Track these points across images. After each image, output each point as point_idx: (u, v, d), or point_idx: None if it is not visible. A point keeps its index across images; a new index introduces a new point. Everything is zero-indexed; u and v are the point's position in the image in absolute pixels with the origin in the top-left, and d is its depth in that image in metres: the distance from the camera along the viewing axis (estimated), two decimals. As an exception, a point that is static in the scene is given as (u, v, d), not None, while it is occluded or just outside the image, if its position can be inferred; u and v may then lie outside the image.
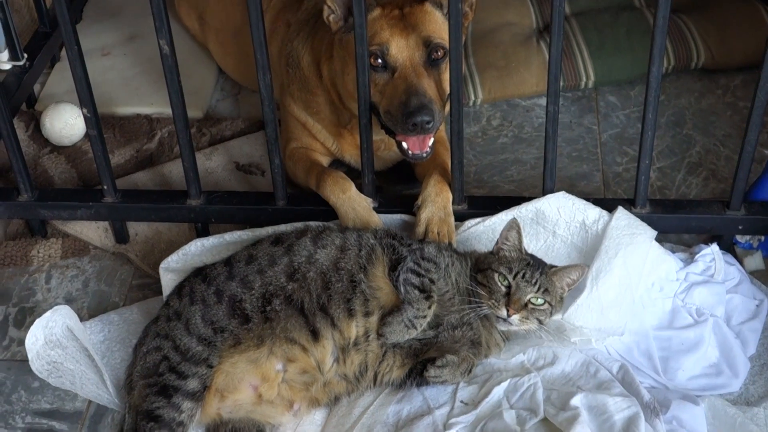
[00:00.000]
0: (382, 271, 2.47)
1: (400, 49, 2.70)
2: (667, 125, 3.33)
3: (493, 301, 2.43)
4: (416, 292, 2.40)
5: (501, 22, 3.65)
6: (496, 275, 2.45)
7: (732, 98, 3.42)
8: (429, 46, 2.70)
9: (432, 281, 2.43)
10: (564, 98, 3.45)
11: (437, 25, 2.74)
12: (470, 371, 2.46)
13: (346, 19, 2.75)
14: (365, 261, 2.47)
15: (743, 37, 3.47)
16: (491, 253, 2.54)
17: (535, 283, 2.43)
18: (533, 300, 2.43)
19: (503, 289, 2.43)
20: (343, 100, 2.87)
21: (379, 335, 2.41)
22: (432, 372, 2.41)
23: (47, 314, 2.50)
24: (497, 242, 2.53)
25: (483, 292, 2.45)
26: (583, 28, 3.57)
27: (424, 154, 2.75)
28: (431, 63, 2.72)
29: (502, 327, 2.47)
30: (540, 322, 2.45)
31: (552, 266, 2.50)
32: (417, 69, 2.70)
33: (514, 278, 2.43)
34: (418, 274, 2.42)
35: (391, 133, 2.76)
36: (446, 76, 2.70)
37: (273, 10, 3.19)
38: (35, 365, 2.53)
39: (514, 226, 2.50)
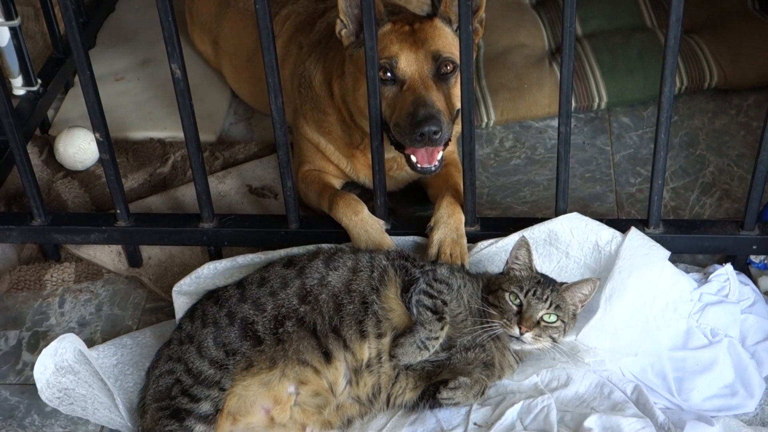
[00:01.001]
0: (394, 292, 2.47)
1: (409, 62, 2.71)
2: (681, 145, 3.32)
3: (505, 320, 2.43)
4: (429, 313, 2.39)
5: (513, 44, 3.66)
6: (506, 294, 2.44)
7: (745, 118, 3.41)
8: (438, 59, 2.71)
9: (445, 303, 2.42)
10: (577, 119, 3.44)
11: (447, 39, 2.76)
12: (483, 393, 2.44)
13: (358, 34, 2.77)
14: (377, 282, 2.47)
15: (756, 56, 3.47)
16: (502, 273, 2.54)
17: (546, 299, 2.43)
18: (545, 317, 2.42)
19: (514, 307, 2.43)
20: (354, 118, 2.88)
21: (392, 356, 2.41)
22: (444, 394, 2.40)
23: (54, 343, 2.54)
24: (507, 262, 2.53)
25: (495, 313, 2.44)
26: (595, 49, 3.57)
27: (433, 168, 2.76)
28: (440, 77, 2.73)
29: (516, 346, 2.46)
30: (554, 340, 2.45)
31: (563, 283, 2.50)
32: (425, 82, 2.71)
33: (525, 296, 2.43)
34: (431, 296, 2.42)
35: (400, 147, 2.77)
36: (455, 91, 2.71)
37: (286, 34, 3.20)
38: (45, 394, 2.54)
39: (523, 244, 2.50)
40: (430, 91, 2.69)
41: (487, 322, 2.44)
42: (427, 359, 2.43)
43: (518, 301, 2.43)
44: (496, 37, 3.68)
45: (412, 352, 2.39)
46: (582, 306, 2.50)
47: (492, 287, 2.50)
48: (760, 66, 3.44)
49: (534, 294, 2.43)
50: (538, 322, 2.42)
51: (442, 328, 2.40)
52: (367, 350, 2.42)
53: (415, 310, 2.41)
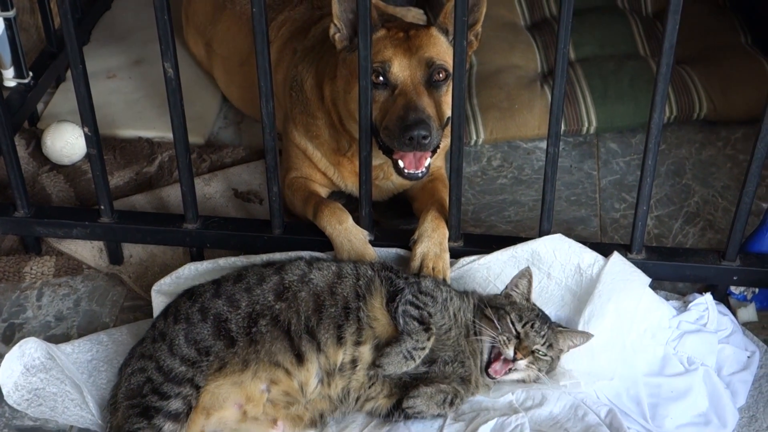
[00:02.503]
0: (380, 302, 2.46)
1: (402, 67, 2.72)
2: (667, 174, 3.34)
3: (504, 338, 2.44)
4: (415, 323, 2.40)
5: (506, 65, 3.67)
6: (507, 318, 2.46)
7: (732, 151, 3.43)
8: (431, 66, 2.72)
9: (430, 314, 2.43)
10: (565, 143, 3.46)
11: (441, 48, 2.76)
12: (451, 403, 2.44)
13: (351, 38, 2.78)
14: (364, 290, 2.47)
15: (746, 90, 3.49)
16: (505, 294, 2.56)
17: (543, 335, 2.46)
18: (539, 352, 2.45)
19: (514, 331, 2.45)
20: (344, 122, 2.88)
21: (376, 366, 2.40)
22: (405, 403, 2.42)
23: (16, 348, 2.56)
24: (507, 287, 2.56)
25: (489, 327, 2.46)
26: (587, 74, 3.59)
27: (420, 174, 2.77)
28: (432, 84, 2.74)
29: (493, 375, 2.47)
30: (539, 371, 2.46)
31: (558, 325, 2.54)
32: (417, 87, 2.72)
33: (523, 327, 2.45)
34: (417, 307, 2.42)
35: (389, 152, 2.77)
36: (447, 99, 2.72)
37: (281, 39, 3.21)
38: (13, 398, 2.54)
39: (526, 275, 2.55)
40: (421, 97, 2.70)
41: (481, 332, 2.46)
42: (406, 372, 2.42)
43: (516, 329, 2.45)
44: (490, 57, 3.70)
45: (398, 362, 2.38)
46: (567, 351, 2.53)
47: (492, 303, 2.52)
48: (750, 100, 3.46)
49: (533, 326, 2.45)
50: (533, 353, 2.44)
51: (428, 339, 2.40)
52: (341, 355, 2.42)
53: (401, 320, 2.41)
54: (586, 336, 2.52)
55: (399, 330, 2.41)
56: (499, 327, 2.45)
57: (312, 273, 2.49)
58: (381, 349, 2.41)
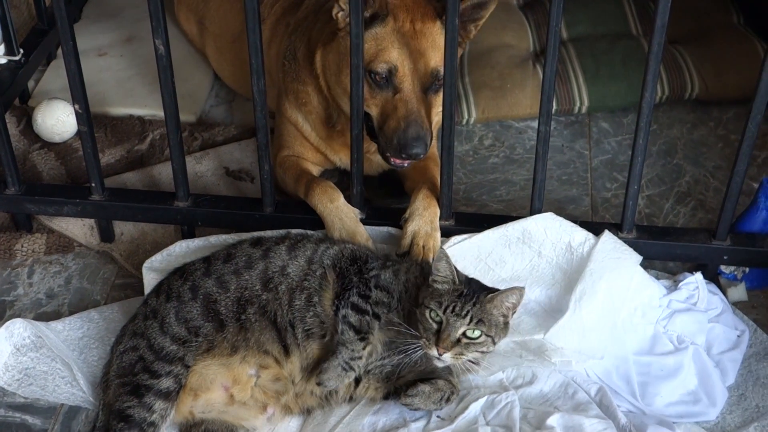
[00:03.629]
0: (329, 298, 2.44)
1: (408, 73, 2.71)
2: (658, 154, 3.34)
3: (425, 339, 2.34)
4: (351, 333, 2.35)
5: (498, 44, 3.66)
6: (427, 311, 2.34)
7: (724, 131, 3.43)
8: (434, 76, 2.72)
9: (377, 316, 2.38)
10: (557, 122, 3.46)
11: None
12: (448, 400, 2.43)
13: None
14: (319, 283, 2.45)
15: (738, 70, 3.49)
16: (426, 286, 2.42)
17: (466, 315, 2.32)
18: (468, 333, 2.33)
19: (434, 325, 2.33)
20: (333, 93, 2.87)
21: (317, 384, 2.37)
22: (403, 401, 2.41)
23: (2, 329, 2.57)
24: (431, 276, 2.41)
25: (419, 331, 2.36)
26: (579, 53, 3.58)
27: (405, 164, 2.79)
28: (430, 88, 2.74)
29: (438, 365, 2.37)
30: (482, 353, 2.38)
31: (491, 291, 2.39)
32: (418, 96, 2.72)
33: (444, 312, 2.32)
34: (360, 311, 2.37)
35: (376, 139, 2.77)
36: (440, 101, 2.70)
37: (274, 16, 3.19)
38: (4, 379, 2.55)
39: (442, 256, 2.39)
40: (421, 108, 2.70)
41: (411, 343, 2.35)
42: (382, 362, 2.41)
43: (438, 317, 2.33)
44: (482, 36, 3.67)
45: (337, 375, 2.34)
46: (512, 314, 2.41)
47: (418, 300, 2.40)
48: (742, 80, 3.45)
49: (453, 310, 2.32)
50: (459, 340, 2.33)
51: (364, 348, 2.36)
52: (314, 351, 2.41)
53: (339, 327, 2.35)
54: (519, 291, 2.35)
55: (336, 338, 2.36)
56: (423, 326, 2.35)
57: (289, 265, 2.46)
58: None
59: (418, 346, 2.35)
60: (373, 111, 2.74)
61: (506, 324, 2.41)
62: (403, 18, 2.74)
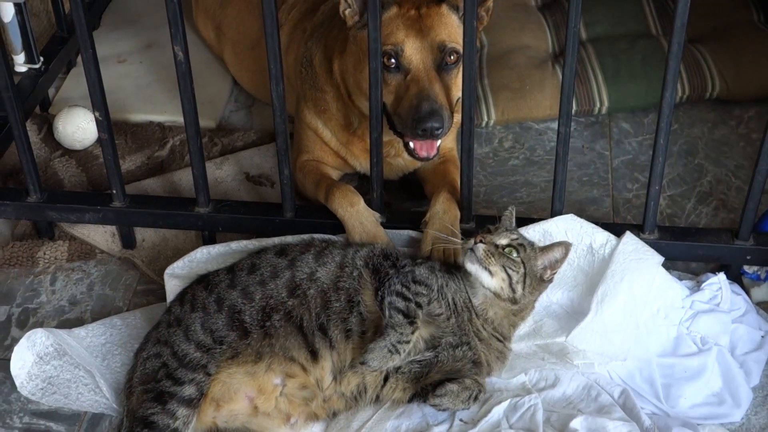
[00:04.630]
0: (370, 294, 2.45)
1: (415, 51, 2.70)
2: (680, 154, 3.32)
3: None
4: (400, 316, 2.35)
5: (517, 45, 3.66)
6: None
7: (745, 129, 3.42)
8: (443, 50, 2.71)
9: (419, 305, 2.39)
10: (577, 123, 3.44)
11: (452, 28, 2.74)
12: (476, 398, 2.42)
13: (362, 14, 2.75)
14: (358, 284, 2.46)
15: (759, 68, 3.47)
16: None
17: (513, 234, 2.48)
18: (507, 251, 2.44)
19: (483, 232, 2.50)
20: (353, 98, 2.88)
21: (360, 362, 2.36)
22: (432, 401, 2.40)
23: (24, 339, 2.57)
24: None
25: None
26: (598, 54, 3.57)
27: (432, 156, 2.77)
28: (444, 67, 2.73)
29: (469, 264, 2.45)
30: (509, 276, 2.43)
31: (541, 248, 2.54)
32: (429, 73, 2.70)
33: (495, 230, 2.50)
34: (405, 298, 2.38)
35: (399, 132, 2.77)
36: (458, 81, 2.71)
37: (291, 22, 3.20)
38: (27, 388, 2.55)
39: (509, 215, 2.60)
40: (433, 84, 2.69)
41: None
42: (414, 360, 2.41)
43: (488, 230, 2.50)
44: (500, 38, 3.69)
45: (382, 356, 2.33)
46: (552, 272, 2.50)
47: None
48: (763, 78, 3.44)
49: (504, 230, 2.49)
50: (497, 247, 2.44)
51: (413, 332, 2.36)
52: (351, 350, 2.41)
53: (387, 313, 2.36)
54: (565, 247, 2.50)
55: (384, 322, 2.37)
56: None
57: (318, 271, 2.48)
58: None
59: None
60: (388, 99, 2.73)
61: (542, 280, 2.49)
62: (408, 6, 2.76)
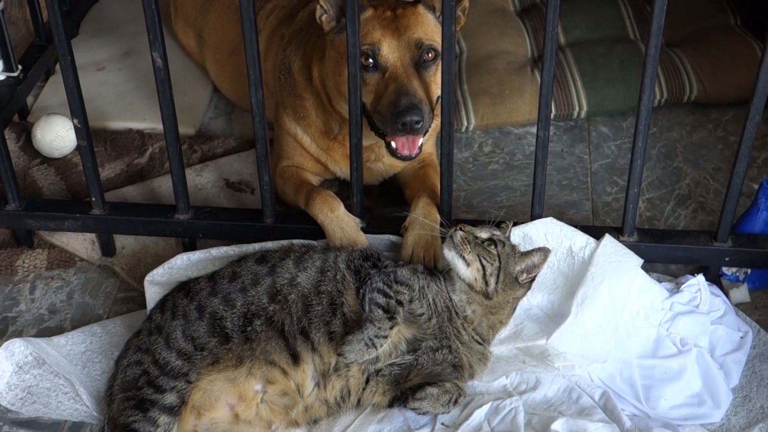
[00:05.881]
0: (353, 294, 2.46)
1: (392, 49, 2.71)
2: (658, 157, 3.34)
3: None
4: (380, 311, 2.37)
5: (496, 50, 3.67)
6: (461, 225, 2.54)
7: (723, 132, 3.44)
8: (420, 47, 2.72)
9: (400, 303, 2.40)
10: (556, 127, 3.46)
11: (429, 27, 2.76)
12: (456, 402, 2.42)
13: (339, 19, 2.77)
14: (341, 285, 2.47)
15: (736, 72, 3.49)
16: None
17: (494, 233, 2.51)
18: (486, 244, 2.48)
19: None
20: (333, 103, 2.88)
21: (338, 354, 2.37)
22: (411, 404, 2.40)
23: (1, 350, 2.56)
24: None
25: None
26: (577, 58, 3.59)
27: (413, 155, 2.77)
28: (422, 65, 2.74)
29: (447, 252, 2.49)
30: (482, 267, 2.46)
31: (523, 252, 2.55)
32: (407, 69, 2.71)
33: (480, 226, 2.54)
34: (386, 295, 2.40)
35: (381, 134, 2.77)
36: (436, 79, 2.72)
37: (269, 27, 3.20)
38: (7, 399, 2.55)
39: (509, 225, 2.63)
40: (411, 80, 2.70)
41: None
42: (394, 362, 2.42)
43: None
44: (480, 43, 3.70)
45: (359, 349, 2.34)
46: (529, 276, 2.52)
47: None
48: (740, 81, 3.46)
49: (488, 226, 2.54)
50: (476, 238, 2.48)
51: (391, 328, 2.37)
52: (335, 353, 2.41)
53: (367, 308, 2.38)
54: (544, 252, 2.52)
55: (363, 317, 2.39)
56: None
57: (299, 276, 2.49)
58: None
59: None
60: (368, 98, 2.74)
61: (517, 281, 2.50)
62: (383, 8, 2.78)
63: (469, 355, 2.48)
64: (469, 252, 2.46)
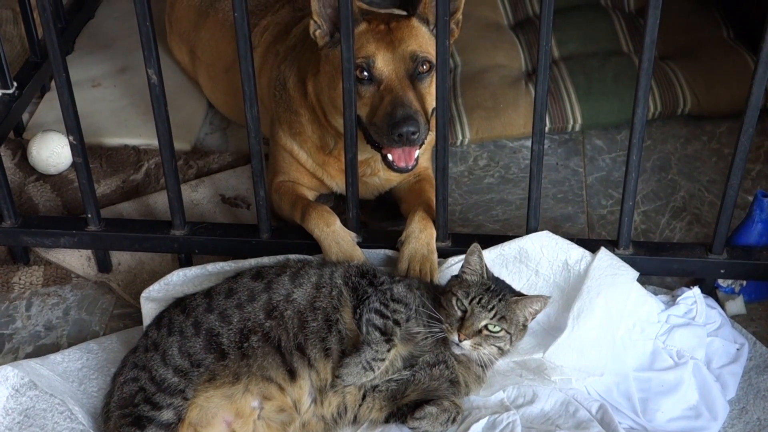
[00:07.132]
0: (349, 312, 2.46)
1: (386, 61, 2.72)
2: (653, 170, 3.35)
3: (447, 324, 2.42)
4: (377, 333, 2.37)
5: (490, 64, 3.68)
6: (453, 299, 2.44)
7: (717, 145, 3.45)
8: (415, 60, 2.73)
9: (397, 323, 2.40)
10: (551, 140, 3.47)
11: (423, 39, 2.77)
12: (454, 420, 2.42)
13: (332, 34, 2.78)
14: (337, 302, 2.47)
15: (729, 84, 3.50)
16: (455, 276, 2.54)
17: (491, 309, 2.41)
18: (490, 327, 2.41)
19: (458, 313, 2.42)
20: (329, 118, 2.89)
21: (336, 377, 2.37)
22: (410, 424, 2.40)
23: None
24: (462, 266, 2.53)
25: (442, 316, 2.43)
26: (571, 72, 3.60)
27: (410, 167, 2.77)
28: (417, 77, 2.74)
29: (456, 351, 2.44)
30: (499, 349, 2.44)
31: (517, 294, 2.50)
32: (402, 81, 2.72)
33: (470, 303, 2.42)
34: (383, 315, 2.39)
35: (377, 147, 2.78)
36: (431, 91, 2.73)
37: (264, 44, 3.21)
38: (4, 424, 2.56)
39: (474, 250, 2.50)
40: (407, 92, 2.71)
41: (434, 325, 2.42)
42: (391, 378, 2.42)
43: (463, 306, 2.42)
44: (474, 57, 3.70)
45: (356, 372, 2.34)
46: (532, 318, 2.50)
47: (444, 288, 2.51)
48: (734, 94, 3.47)
49: (479, 302, 2.41)
50: (480, 331, 2.41)
51: (388, 350, 2.37)
52: (331, 369, 2.41)
53: (364, 329, 2.38)
54: (544, 300, 2.47)
55: (360, 339, 2.38)
56: (448, 312, 2.43)
57: (295, 292, 2.48)
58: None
59: (440, 330, 2.41)
60: (363, 111, 2.74)
61: (525, 326, 2.49)
62: (377, 22, 2.79)
63: (465, 375, 2.48)
64: (484, 348, 2.43)
